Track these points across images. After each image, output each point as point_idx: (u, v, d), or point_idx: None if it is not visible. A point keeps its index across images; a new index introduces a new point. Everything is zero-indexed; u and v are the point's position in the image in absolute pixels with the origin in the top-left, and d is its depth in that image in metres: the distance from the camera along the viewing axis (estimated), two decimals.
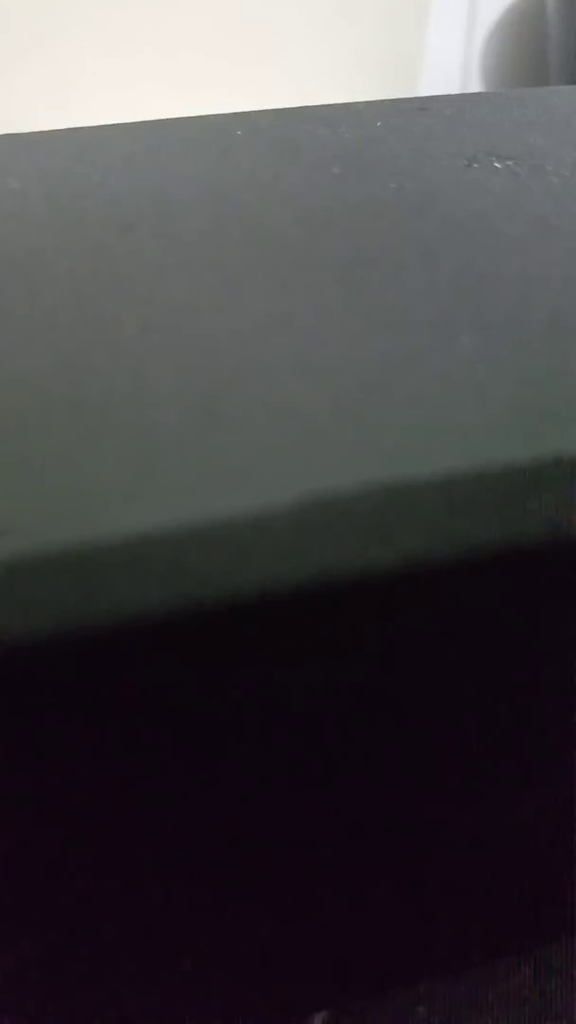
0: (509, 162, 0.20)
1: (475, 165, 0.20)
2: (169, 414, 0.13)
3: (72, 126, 0.22)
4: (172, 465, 0.12)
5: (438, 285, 0.15)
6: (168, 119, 0.22)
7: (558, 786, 0.16)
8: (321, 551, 0.12)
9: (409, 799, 0.15)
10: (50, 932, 0.14)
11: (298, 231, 0.17)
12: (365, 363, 0.14)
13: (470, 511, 0.12)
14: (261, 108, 0.23)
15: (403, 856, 0.16)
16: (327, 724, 0.13)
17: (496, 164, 0.20)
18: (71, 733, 0.12)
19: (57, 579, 0.11)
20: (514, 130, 0.21)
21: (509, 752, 0.15)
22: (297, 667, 0.12)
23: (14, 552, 0.11)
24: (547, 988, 0.19)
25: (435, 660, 0.13)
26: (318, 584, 0.12)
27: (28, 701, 0.11)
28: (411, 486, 0.12)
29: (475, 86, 0.91)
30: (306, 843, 0.15)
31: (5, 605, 0.11)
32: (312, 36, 0.83)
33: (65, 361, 0.14)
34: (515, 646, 0.14)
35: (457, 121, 0.22)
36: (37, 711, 0.12)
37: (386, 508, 0.12)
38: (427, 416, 0.13)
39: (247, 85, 0.82)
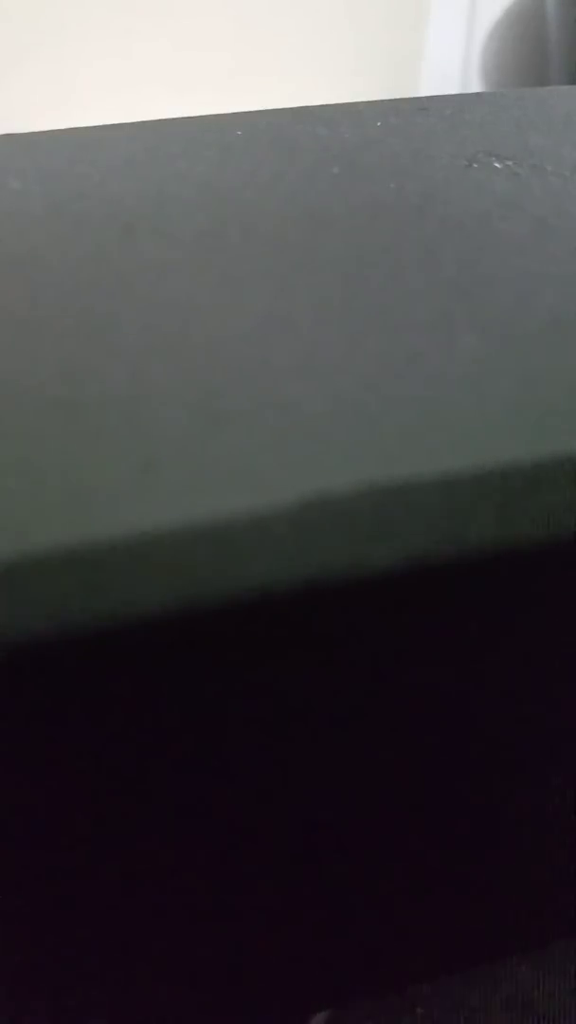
0: (509, 162, 0.20)
1: (475, 165, 0.20)
2: (169, 414, 0.13)
3: (72, 126, 0.22)
4: (172, 465, 0.12)
5: (438, 285, 0.15)
6: (168, 119, 0.22)
7: (558, 786, 0.16)
8: (321, 551, 0.12)
9: (409, 799, 0.15)
10: (49, 932, 0.14)
11: (298, 231, 0.17)
12: (365, 363, 0.14)
13: (470, 511, 0.12)
14: (261, 108, 0.23)
15: (403, 856, 0.16)
16: (327, 724, 0.13)
17: (496, 164, 0.20)
18: (71, 732, 0.12)
19: (57, 579, 0.11)
20: (514, 130, 0.21)
21: (509, 752, 0.15)
22: (297, 667, 0.12)
23: (14, 552, 0.11)
24: (547, 989, 0.19)
25: (435, 660, 0.13)
26: (318, 584, 0.12)
27: (28, 701, 0.11)
28: (411, 486, 0.12)
29: (475, 86, 0.91)
30: (306, 843, 0.15)
31: (5, 605, 0.11)
32: (312, 36, 0.83)
33: (65, 361, 0.14)
34: (515, 646, 0.14)
35: (457, 121, 0.22)
36: (37, 710, 0.12)
37: (386, 508, 0.12)
38: (427, 416, 0.13)
39: (247, 85, 0.82)
